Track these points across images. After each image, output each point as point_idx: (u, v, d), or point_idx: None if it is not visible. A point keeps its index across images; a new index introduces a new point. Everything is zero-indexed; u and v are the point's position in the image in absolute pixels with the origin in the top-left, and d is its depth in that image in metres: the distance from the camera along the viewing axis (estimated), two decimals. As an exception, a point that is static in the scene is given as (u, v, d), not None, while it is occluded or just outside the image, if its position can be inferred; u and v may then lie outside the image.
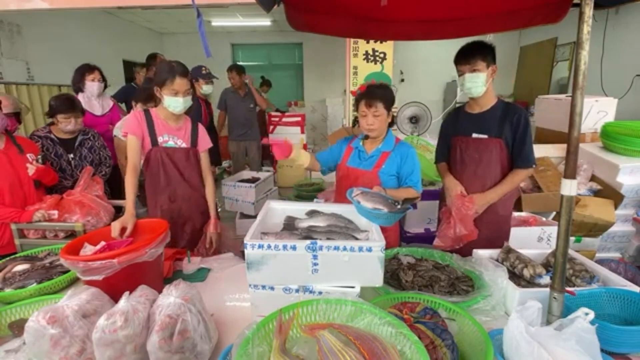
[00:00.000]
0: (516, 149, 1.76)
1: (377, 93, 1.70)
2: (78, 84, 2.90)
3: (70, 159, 2.40)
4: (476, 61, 1.70)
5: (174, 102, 1.82)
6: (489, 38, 3.77)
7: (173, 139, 1.92)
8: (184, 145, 1.94)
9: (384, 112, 1.71)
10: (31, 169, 2.04)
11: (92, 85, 2.89)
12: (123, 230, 1.54)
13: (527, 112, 1.80)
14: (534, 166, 1.78)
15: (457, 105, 2.00)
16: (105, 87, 3.06)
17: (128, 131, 1.87)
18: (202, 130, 2.03)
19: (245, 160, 4.64)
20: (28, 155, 2.07)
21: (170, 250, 1.70)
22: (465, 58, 1.73)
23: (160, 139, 1.90)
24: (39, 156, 2.12)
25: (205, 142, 2.03)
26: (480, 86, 1.74)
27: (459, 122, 1.92)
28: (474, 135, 1.83)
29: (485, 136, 1.80)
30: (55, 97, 2.35)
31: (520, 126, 1.74)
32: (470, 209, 1.77)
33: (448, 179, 1.95)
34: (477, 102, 1.84)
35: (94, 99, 2.96)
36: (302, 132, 5.33)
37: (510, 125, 1.75)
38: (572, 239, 1.97)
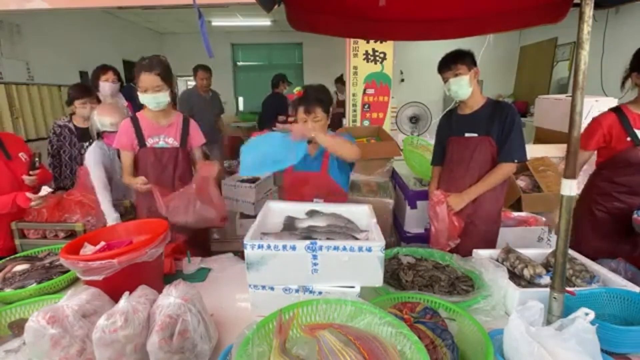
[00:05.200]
0: (501, 143, 1.82)
1: (315, 97, 1.67)
2: (93, 85, 2.92)
3: (85, 147, 2.48)
4: (457, 66, 1.81)
5: (143, 98, 1.82)
6: (489, 38, 3.78)
7: (163, 139, 1.91)
8: (175, 143, 1.92)
9: (323, 115, 1.68)
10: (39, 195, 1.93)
11: (104, 85, 2.87)
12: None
13: (515, 110, 1.85)
14: (515, 161, 1.81)
15: (455, 106, 2.03)
16: (122, 87, 3.08)
17: (118, 146, 1.88)
18: (193, 126, 1.99)
19: None
20: (20, 154, 2.04)
21: (169, 246, 1.67)
22: (447, 65, 1.84)
23: (150, 141, 1.90)
24: (36, 158, 2.05)
25: (197, 137, 1.99)
26: (465, 88, 1.83)
27: (452, 124, 2.00)
28: (466, 134, 1.90)
29: (475, 135, 1.87)
30: (72, 86, 2.55)
31: (507, 122, 1.79)
32: (442, 201, 1.89)
33: (430, 186, 2.10)
34: (466, 104, 1.92)
35: (107, 100, 2.96)
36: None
37: (499, 122, 1.81)
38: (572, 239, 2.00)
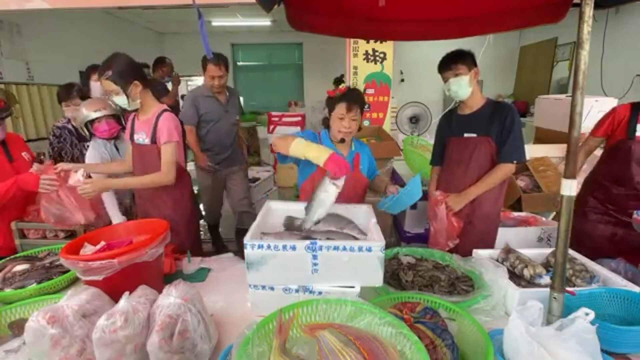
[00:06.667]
0: (500, 144, 1.82)
1: (357, 96, 1.69)
2: (85, 85, 2.89)
3: (86, 147, 2.45)
4: (457, 66, 1.80)
5: None
6: (489, 38, 3.78)
7: (141, 135, 1.89)
8: (146, 141, 1.86)
9: (359, 115, 1.70)
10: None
11: (94, 85, 2.79)
12: None
13: (515, 110, 1.85)
14: (514, 162, 1.82)
15: (455, 106, 2.03)
16: None
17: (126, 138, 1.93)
18: (163, 121, 1.82)
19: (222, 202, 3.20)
20: (23, 154, 2.05)
21: (169, 247, 1.66)
22: (447, 65, 1.83)
23: (135, 137, 1.90)
24: (41, 157, 2.09)
25: (164, 134, 1.80)
26: (465, 88, 1.83)
27: (452, 124, 2.00)
28: (465, 135, 1.91)
29: (474, 135, 1.88)
30: (60, 87, 2.50)
31: (507, 123, 1.80)
32: (441, 201, 1.89)
33: (430, 186, 2.10)
34: (466, 104, 1.92)
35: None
36: (302, 131, 5.33)
37: (498, 122, 1.81)
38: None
